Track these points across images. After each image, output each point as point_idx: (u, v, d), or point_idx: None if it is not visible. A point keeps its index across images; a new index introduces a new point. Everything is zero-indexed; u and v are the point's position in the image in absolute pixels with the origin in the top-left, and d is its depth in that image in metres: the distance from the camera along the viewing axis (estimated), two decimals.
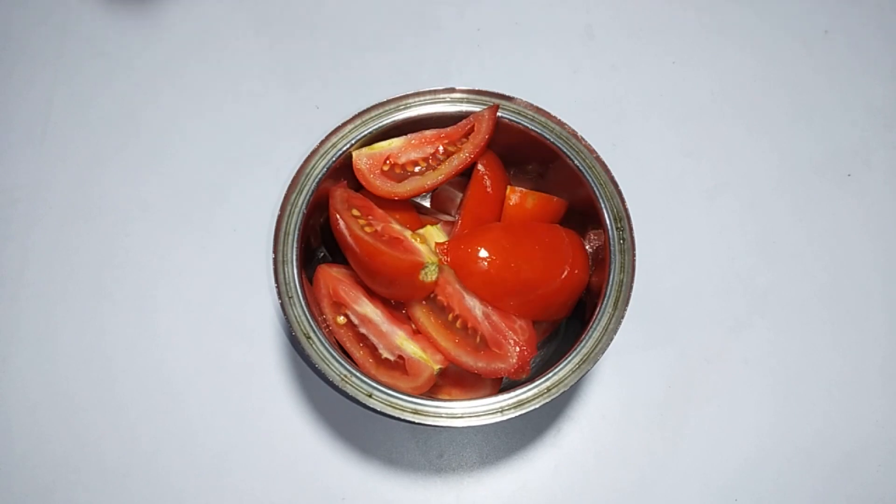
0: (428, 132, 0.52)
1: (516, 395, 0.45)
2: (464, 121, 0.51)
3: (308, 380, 0.57)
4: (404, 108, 0.51)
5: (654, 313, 0.59)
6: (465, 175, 0.52)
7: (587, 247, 0.51)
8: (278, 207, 0.49)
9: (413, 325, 0.49)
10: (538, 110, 0.51)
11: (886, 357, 0.59)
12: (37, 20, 0.67)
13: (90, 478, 0.55)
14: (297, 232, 0.49)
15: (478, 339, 0.47)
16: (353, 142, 0.50)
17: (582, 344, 0.46)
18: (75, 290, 0.59)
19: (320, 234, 0.54)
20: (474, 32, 0.67)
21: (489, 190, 0.51)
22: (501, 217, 0.52)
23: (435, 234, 0.50)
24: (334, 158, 0.50)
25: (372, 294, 0.50)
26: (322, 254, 0.56)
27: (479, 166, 0.51)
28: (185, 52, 0.67)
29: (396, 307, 0.50)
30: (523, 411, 0.45)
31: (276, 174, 0.62)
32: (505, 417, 0.44)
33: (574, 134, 0.51)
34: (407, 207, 0.53)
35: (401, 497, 0.55)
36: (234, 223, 0.61)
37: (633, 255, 0.48)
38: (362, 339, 0.49)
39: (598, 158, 0.50)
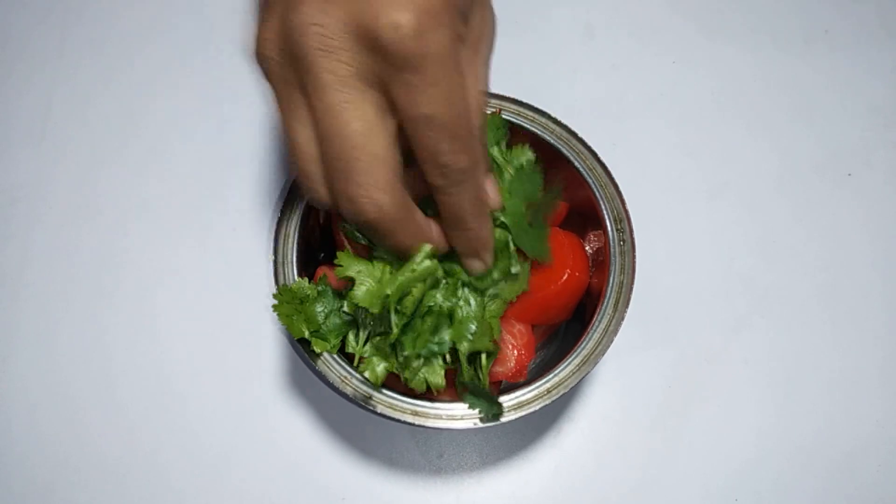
0: None
1: (516, 397, 0.45)
2: None
3: (308, 380, 0.57)
4: None
5: (654, 314, 0.59)
6: None
7: (587, 248, 0.51)
8: (278, 208, 0.49)
9: None
10: (538, 111, 0.51)
11: (886, 357, 0.59)
12: (37, 20, 0.66)
13: (90, 478, 0.55)
14: (296, 233, 0.49)
15: None
16: None
17: (582, 346, 0.46)
18: (75, 290, 0.59)
19: (320, 235, 0.54)
20: None
21: None
22: None
23: None
24: None
25: None
26: (322, 254, 0.56)
27: None
28: (185, 51, 0.66)
29: None
30: (523, 413, 0.45)
31: (276, 174, 0.62)
32: (505, 419, 0.44)
33: (574, 134, 0.51)
34: None
35: (401, 497, 0.55)
36: (234, 223, 0.61)
37: (634, 257, 0.48)
38: None
39: (598, 159, 0.50)
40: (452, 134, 0.35)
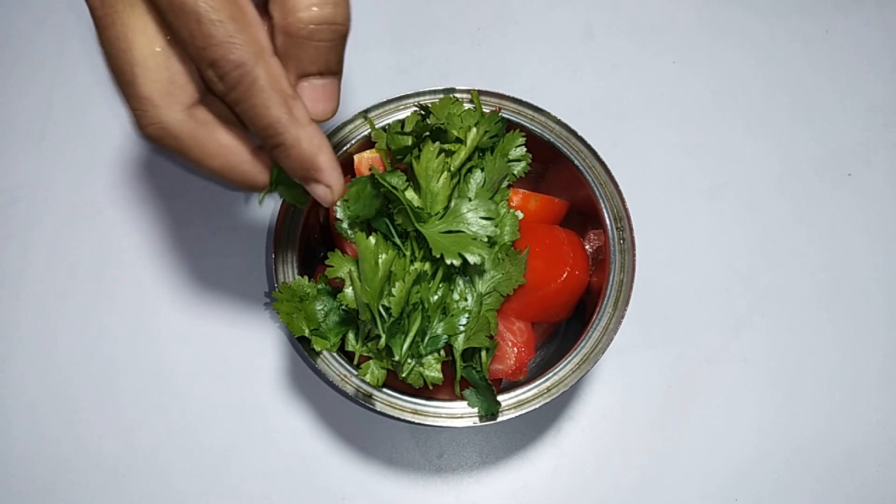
0: None
1: (516, 396, 0.45)
2: None
3: (308, 379, 0.57)
4: (404, 108, 0.51)
5: (653, 313, 0.59)
6: None
7: (587, 247, 0.51)
8: (278, 207, 0.49)
9: None
10: (538, 110, 0.51)
11: (886, 357, 0.59)
12: (37, 20, 0.67)
13: (90, 478, 0.55)
14: (296, 232, 0.49)
15: None
16: (353, 142, 0.50)
17: (582, 344, 0.46)
18: (75, 290, 0.59)
19: (320, 234, 0.54)
20: (474, 32, 0.67)
21: None
22: None
23: None
24: None
25: None
26: (322, 253, 0.56)
27: None
28: None
29: None
30: (523, 411, 0.45)
31: None
32: (505, 418, 0.44)
33: (574, 133, 0.51)
34: None
35: (401, 497, 0.55)
36: (233, 223, 0.61)
37: (633, 255, 0.48)
38: None
39: (597, 158, 0.50)
40: (207, 18, 0.29)
